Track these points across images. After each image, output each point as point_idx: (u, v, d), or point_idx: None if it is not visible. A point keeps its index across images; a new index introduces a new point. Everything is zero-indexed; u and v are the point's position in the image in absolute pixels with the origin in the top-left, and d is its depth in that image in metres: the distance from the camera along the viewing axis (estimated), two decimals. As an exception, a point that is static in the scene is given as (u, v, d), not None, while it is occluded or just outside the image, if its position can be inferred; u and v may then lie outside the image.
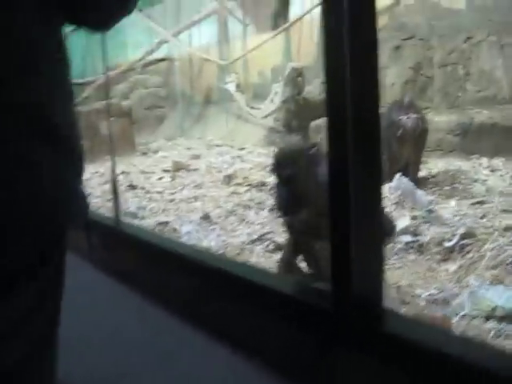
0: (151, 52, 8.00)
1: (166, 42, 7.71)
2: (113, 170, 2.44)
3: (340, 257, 1.20)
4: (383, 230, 1.51)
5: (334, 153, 1.22)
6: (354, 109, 1.15)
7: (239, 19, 7.56)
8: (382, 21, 6.15)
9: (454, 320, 1.45)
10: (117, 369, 1.51)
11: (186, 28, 7.68)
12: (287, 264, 1.76)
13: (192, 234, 2.23)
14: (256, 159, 5.11)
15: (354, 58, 1.14)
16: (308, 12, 5.80)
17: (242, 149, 6.05)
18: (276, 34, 5.95)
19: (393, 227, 1.84)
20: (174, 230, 2.49)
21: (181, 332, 1.69)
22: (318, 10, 6.02)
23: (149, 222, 2.67)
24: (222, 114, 7.35)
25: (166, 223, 2.59)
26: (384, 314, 1.20)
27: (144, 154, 6.73)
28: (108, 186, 4.26)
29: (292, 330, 1.35)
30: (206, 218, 2.66)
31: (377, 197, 1.21)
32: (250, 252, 2.23)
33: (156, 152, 6.75)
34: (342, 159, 1.18)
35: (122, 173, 4.90)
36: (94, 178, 4.79)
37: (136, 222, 2.64)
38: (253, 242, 2.32)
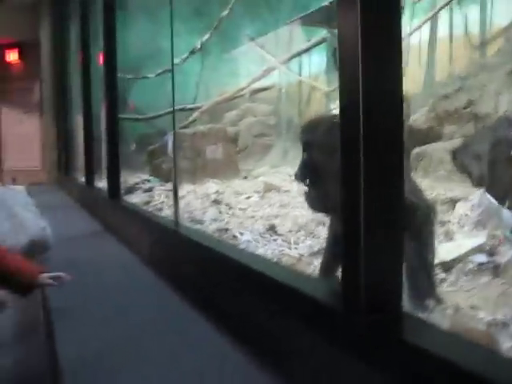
0: (259, 79, 8.10)
1: (273, 69, 7.77)
2: (174, 179, 2.44)
3: (350, 248, 1.05)
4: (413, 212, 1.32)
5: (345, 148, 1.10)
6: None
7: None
8: (496, 44, 5.84)
9: (503, 341, 1.24)
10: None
11: (295, 56, 7.71)
12: (325, 267, 1.62)
13: (251, 242, 2.13)
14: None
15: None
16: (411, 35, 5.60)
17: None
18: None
19: (429, 211, 1.55)
20: (234, 236, 2.42)
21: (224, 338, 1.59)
22: (425, 34, 5.84)
23: (210, 228, 2.62)
24: (327, 143, 7.25)
25: (226, 230, 2.52)
26: (402, 319, 1.03)
27: (245, 178, 6.78)
28: (198, 202, 4.30)
29: (301, 328, 1.21)
30: (271, 229, 2.56)
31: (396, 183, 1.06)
32: (307, 263, 2.10)
33: (257, 177, 6.77)
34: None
35: (216, 192, 4.94)
36: (188, 196, 4.86)
37: (197, 226, 2.60)
38: (313, 254, 2.19)
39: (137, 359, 1.46)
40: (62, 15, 7.61)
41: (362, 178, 1.01)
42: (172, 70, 2.62)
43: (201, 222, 2.76)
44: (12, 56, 10.00)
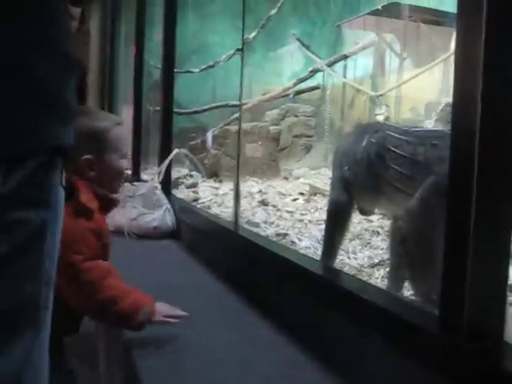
0: (304, 80, 8.08)
1: (319, 71, 7.74)
2: (236, 183, 2.45)
3: (452, 271, 1.03)
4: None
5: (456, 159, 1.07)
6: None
7: (397, 53, 7.41)
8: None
9: None
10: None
11: (341, 58, 7.66)
12: (393, 278, 1.61)
13: (310, 249, 2.13)
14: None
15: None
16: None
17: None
18: (429, 68, 5.73)
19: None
20: (292, 242, 2.42)
21: (284, 342, 1.58)
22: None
23: (268, 232, 2.62)
24: (368, 147, 7.21)
25: (285, 235, 2.52)
26: (505, 349, 1.01)
27: (285, 178, 6.78)
28: (244, 201, 4.30)
29: (391, 351, 1.20)
30: (328, 236, 2.54)
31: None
32: (368, 275, 2.09)
33: (297, 178, 6.76)
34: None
35: (259, 191, 4.95)
36: (231, 194, 4.85)
37: (255, 230, 2.60)
38: (373, 266, 2.18)
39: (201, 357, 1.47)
40: (113, 5, 7.68)
41: (474, 191, 0.99)
42: (242, 61, 2.61)
43: (256, 224, 2.77)
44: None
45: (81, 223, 1.49)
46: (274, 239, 2.43)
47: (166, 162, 3.25)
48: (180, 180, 5.43)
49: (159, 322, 1.55)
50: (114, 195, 1.65)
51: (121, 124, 1.68)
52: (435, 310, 1.15)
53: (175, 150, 3.40)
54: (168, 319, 1.56)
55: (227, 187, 5.47)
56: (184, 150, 5.37)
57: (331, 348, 1.45)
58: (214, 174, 6.34)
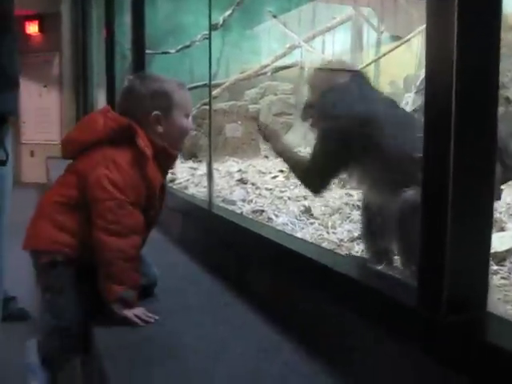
0: (281, 57, 7.98)
1: (296, 47, 7.64)
2: (209, 161, 2.39)
3: (431, 239, 0.97)
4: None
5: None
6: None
7: (374, 27, 7.32)
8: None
9: None
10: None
11: (319, 34, 7.57)
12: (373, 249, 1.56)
13: (287, 225, 2.06)
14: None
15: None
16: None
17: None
18: (406, 41, 5.66)
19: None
20: (269, 219, 2.35)
21: (261, 323, 1.52)
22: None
23: (244, 209, 2.55)
24: (349, 123, 7.16)
25: (262, 212, 2.45)
26: (488, 320, 0.95)
27: (266, 157, 6.70)
28: (223, 180, 4.23)
29: (361, 323, 1.13)
30: (306, 211, 2.48)
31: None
32: (348, 250, 2.03)
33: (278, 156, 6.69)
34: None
35: (239, 171, 4.88)
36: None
37: (231, 208, 2.53)
38: (352, 240, 2.11)
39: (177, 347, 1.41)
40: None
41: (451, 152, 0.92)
42: (209, 42, 2.54)
43: (232, 202, 2.69)
44: (32, 28, 9.91)
45: (135, 170, 1.61)
46: (250, 216, 2.36)
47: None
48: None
49: (127, 318, 1.56)
50: (174, 151, 1.74)
51: (184, 86, 1.82)
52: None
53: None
54: (136, 320, 1.57)
55: (206, 167, 5.38)
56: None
57: (308, 326, 1.39)
58: (192, 154, 6.24)
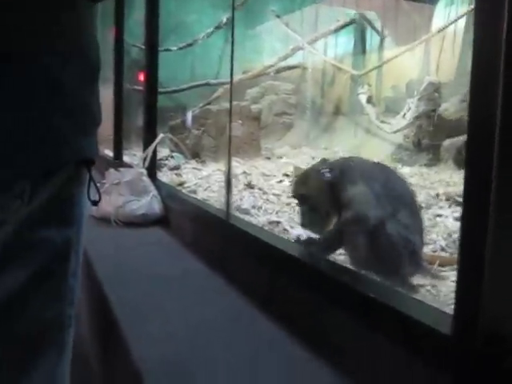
0: (284, 58, 8.03)
1: (300, 49, 7.69)
2: (228, 169, 2.41)
3: (469, 269, 1.01)
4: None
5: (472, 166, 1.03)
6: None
7: (378, 30, 7.37)
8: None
9: None
10: (197, 360, 1.40)
11: (321, 36, 7.61)
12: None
13: (302, 237, 2.10)
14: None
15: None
16: (450, 24, 5.50)
17: (367, 163, 5.85)
18: (411, 47, 5.71)
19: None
20: (284, 230, 2.39)
21: (273, 333, 1.56)
22: (462, 23, 5.73)
23: (260, 220, 2.58)
24: (350, 126, 7.20)
25: (278, 223, 2.49)
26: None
27: (268, 158, 6.73)
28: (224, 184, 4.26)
29: (391, 347, 1.17)
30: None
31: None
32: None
33: (280, 158, 6.73)
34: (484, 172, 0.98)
35: (243, 173, 4.91)
36: (214, 175, 4.80)
37: (246, 218, 2.56)
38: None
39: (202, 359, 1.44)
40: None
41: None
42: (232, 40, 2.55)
43: (246, 211, 2.73)
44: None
45: None
46: (267, 228, 2.40)
47: (152, 147, 3.18)
48: (162, 162, 5.36)
49: None
50: None
51: None
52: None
53: (160, 135, 3.34)
54: None
55: (210, 168, 5.41)
56: (169, 135, 5.31)
57: (338, 347, 1.43)
58: (195, 154, 6.27)
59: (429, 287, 1.77)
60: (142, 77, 4.20)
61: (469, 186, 1.03)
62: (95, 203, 0.83)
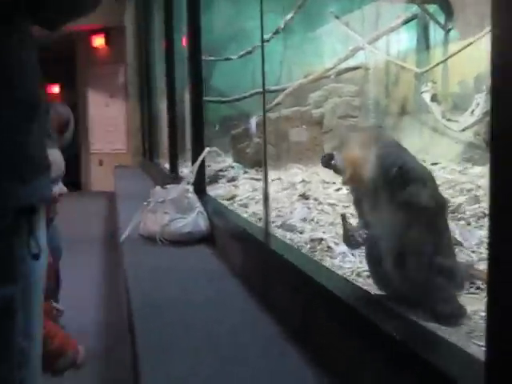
0: (344, 60, 7.82)
1: (360, 49, 7.47)
2: (265, 186, 2.29)
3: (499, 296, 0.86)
4: None
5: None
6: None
7: (441, 24, 7.04)
8: None
9: None
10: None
11: (382, 34, 7.35)
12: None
13: (347, 255, 1.96)
14: (448, 176, 4.71)
15: None
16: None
17: (435, 164, 5.59)
18: (477, 39, 5.39)
19: None
20: (328, 248, 2.24)
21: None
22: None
23: (302, 238, 2.45)
24: (416, 126, 6.93)
25: (321, 240, 2.34)
26: None
27: (330, 164, 6.56)
28: (284, 194, 4.14)
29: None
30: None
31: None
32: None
33: (343, 162, 6.55)
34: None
35: (302, 181, 4.78)
36: (273, 185, 4.69)
37: (289, 235, 2.43)
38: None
39: None
40: (146, 0, 7.60)
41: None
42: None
43: (291, 227, 2.60)
44: (98, 41, 10.19)
45: None
46: (308, 246, 2.26)
47: (198, 162, 3.13)
48: (221, 173, 5.30)
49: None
50: None
51: None
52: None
53: (206, 149, 3.27)
54: None
55: (270, 177, 5.31)
56: (215, 148, 5.24)
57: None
58: (256, 163, 6.19)
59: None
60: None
61: None
62: (36, 256, 0.75)
